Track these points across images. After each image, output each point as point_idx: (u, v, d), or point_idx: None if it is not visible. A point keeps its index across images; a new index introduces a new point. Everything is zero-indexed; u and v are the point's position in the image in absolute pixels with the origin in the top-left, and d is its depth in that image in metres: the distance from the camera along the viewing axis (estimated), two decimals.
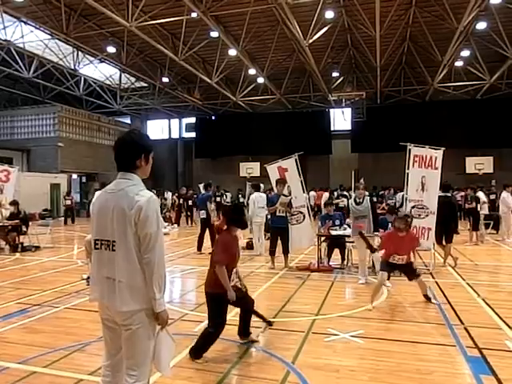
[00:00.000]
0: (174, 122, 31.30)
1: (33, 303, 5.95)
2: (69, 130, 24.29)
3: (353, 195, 16.75)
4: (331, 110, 27.42)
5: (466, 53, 19.54)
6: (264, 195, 9.40)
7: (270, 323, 4.80)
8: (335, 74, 22.98)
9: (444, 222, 8.38)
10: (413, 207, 7.95)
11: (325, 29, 16.26)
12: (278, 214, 8.27)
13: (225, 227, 4.10)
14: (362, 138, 25.86)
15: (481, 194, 13.46)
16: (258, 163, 25.96)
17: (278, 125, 26.53)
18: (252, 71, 21.23)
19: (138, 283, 2.24)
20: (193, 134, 29.86)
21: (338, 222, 8.18)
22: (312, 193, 20.10)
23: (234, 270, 4.09)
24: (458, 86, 23.00)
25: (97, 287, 2.37)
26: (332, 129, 27.79)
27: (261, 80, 22.52)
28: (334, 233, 7.99)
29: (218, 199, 18.92)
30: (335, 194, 19.69)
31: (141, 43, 18.24)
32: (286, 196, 8.32)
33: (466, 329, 4.73)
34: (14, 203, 10.81)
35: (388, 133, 23.76)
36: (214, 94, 25.22)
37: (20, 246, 10.57)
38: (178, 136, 31.34)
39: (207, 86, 23.19)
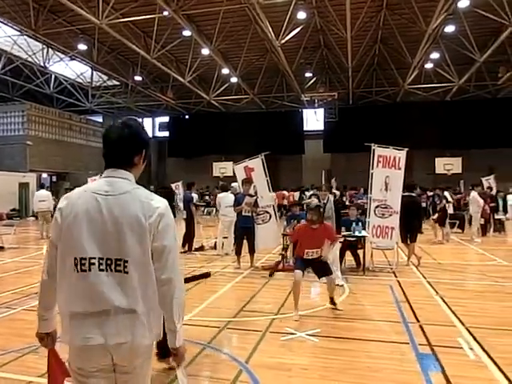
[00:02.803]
0: (147, 120, 30.97)
1: None
2: (38, 128, 23.64)
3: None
4: (304, 111, 27.72)
5: (435, 55, 20.08)
6: (231, 195, 9.42)
7: (207, 275, 4.39)
8: (308, 75, 23.25)
9: (408, 221, 8.60)
10: (376, 207, 8.12)
11: (297, 29, 16.43)
12: (243, 213, 8.32)
13: None
14: (334, 138, 26.24)
15: (447, 194, 13.90)
16: (231, 163, 25.81)
17: (252, 124, 26.58)
18: (225, 71, 21.24)
19: (155, 311, 1.78)
20: (166, 133, 29.66)
21: (303, 222, 8.25)
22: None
23: None
24: (428, 88, 23.62)
25: (91, 325, 1.71)
26: (305, 129, 28.12)
27: (234, 79, 22.55)
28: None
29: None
30: (307, 193, 19.87)
31: (112, 41, 17.99)
32: (251, 196, 8.37)
33: (420, 326, 4.88)
34: None
35: (360, 133, 24.04)
36: (187, 93, 25.08)
37: None
38: (150, 135, 30.99)
39: (180, 85, 23.04)
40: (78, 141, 26.45)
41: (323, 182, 17.40)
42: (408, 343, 4.34)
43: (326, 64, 23.10)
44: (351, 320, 5.13)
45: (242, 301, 6.01)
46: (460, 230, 14.61)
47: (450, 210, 13.63)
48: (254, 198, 8.38)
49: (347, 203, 16.00)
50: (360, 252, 8.12)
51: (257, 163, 8.86)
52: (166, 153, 29.73)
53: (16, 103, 23.56)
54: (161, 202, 1.82)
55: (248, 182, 8.49)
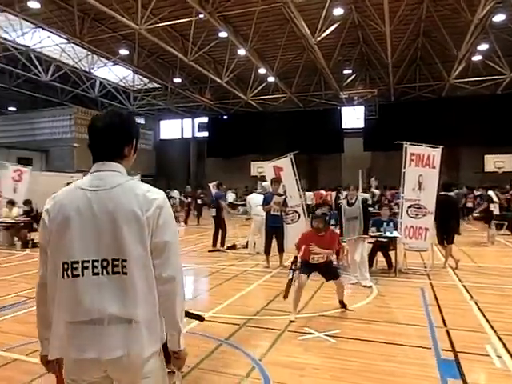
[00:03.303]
0: (187, 121, 31.69)
1: (29, 296, 6.18)
2: (84, 130, 24.78)
3: (362, 195, 16.71)
4: (343, 108, 27.25)
5: (484, 46, 19.00)
6: (261, 195, 9.44)
7: (201, 319, 4.43)
8: (347, 72, 22.80)
9: (444, 222, 8.27)
10: (409, 207, 7.86)
11: (334, 26, 16.18)
12: (272, 212, 8.33)
13: None
14: (374, 135, 25.56)
15: (491, 194, 13.15)
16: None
17: (289, 123, 26.51)
18: (262, 70, 21.31)
19: (156, 317, 1.63)
20: (205, 134, 30.18)
21: (333, 222, 8.14)
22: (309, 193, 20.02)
23: None
24: (477, 81, 22.41)
25: (81, 339, 1.56)
26: (344, 127, 27.61)
27: (271, 79, 22.55)
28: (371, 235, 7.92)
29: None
30: (344, 193, 19.49)
31: (152, 45, 18.55)
32: (280, 195, 8.36)
33: (447, 331, 4.70)
34: (27, 202, 11.23)
35: (402, 130, 23.20)
36: (225, 94, 25.40)
37: (31, 242, 10.91)
38: (190, 135, 31.72)
39: (218, 86, 23.37)
40: None
41: (360, 182, 17.02)
42: (430, 348, 4.19)
43: (366, 60, 22.57)
44: (374, 322, 5.01)
45: (266, 299, 6.04)
46: (509, 232, 13.80)
47: (496, 211, 12.89)
48: (283, 197, 8.37)
49: (386, 203, 15.55)
50: (392, 253, 7.89)
51: (286, 163, 8.84)
52: (205, 153, 30.27)
53: (64, 107, 24.95)
54: (158, 194, 1.67)
55: (277, 181, 8.50)
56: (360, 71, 23.35)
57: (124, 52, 18.76)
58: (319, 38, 16.25)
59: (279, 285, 6.95)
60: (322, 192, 21.45)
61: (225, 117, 29.42)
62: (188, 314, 3.91)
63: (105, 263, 1.56)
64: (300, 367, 3.79)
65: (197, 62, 19.28)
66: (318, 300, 6.03)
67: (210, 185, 20.67)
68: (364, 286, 6.72)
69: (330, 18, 15.63)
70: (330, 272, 5.35)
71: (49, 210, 1.66)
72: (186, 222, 17.83)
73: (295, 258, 5.27)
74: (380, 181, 21.74)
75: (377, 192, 19.85)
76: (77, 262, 1.56)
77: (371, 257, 7.81)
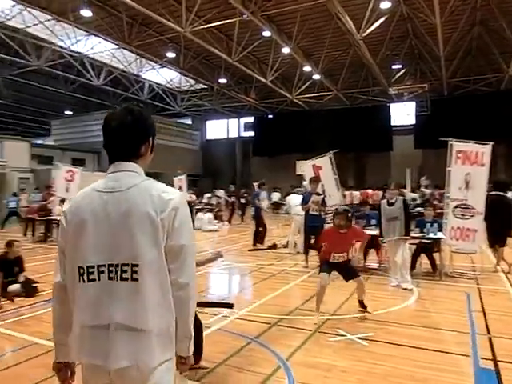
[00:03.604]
0: (233, 121, 32.08)
1: None
2: None
3: (410, 194, 16.11)
4: (392, 105, 26.36)
5: None
6: (300, 195, 9.35)
7: (230, 305, 4.33)
8: (396, 66, 22.03)
9: (495, 223, 7.76)
10: (455, 207, 7.45)
11: (381, 20, 15.69)
12: (311, 212, 8.23)
13: None
14: (426, 132, 24.45)
15: None
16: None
17: (336, 121, 26.05)
18: (307, 68, 21.09)
19: (169, 324, 1.55)
20: (251, 133, 30.40)
21: (374, 222, 7.92)
22: (356, 192, 19.53)
23: None
24: None
25: (90, 344, 1.53)
26: (393, 124, 26.70)
27: (316, 77, 22.27)
28: (367, 233, 7.74)
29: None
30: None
31: (197, 47, 18.94)
32: (319, 194, 8.24)
33: (490, 339, 4.41)
34: None
35: (456, 127, 22.15)
36: (270, 93, 25.41)
37: None
38: (236, 135, 32.09)
39: (263, 86, 23.42)
40: (168, 142, 28.45)
41: (408, 181, 16.44)
42: (468, 356, 3.96)
43: (416, 54, 21.66)
44: (411, 327, 4.81)
45: (301, 299, 5.98)
46: None
47: None
48: (321, 196, 8.24)
49: (435, 203, 14.88)
50: (437, 255, 7.53)
51: (325, 161, 8.72)
52: (251, 152, 30.49)
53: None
54: (175, 194, 1.59)
55: (315, 180, 8.38)
56: (410, 65, 22.45)
57: (171, 54, 19.32)
58: (365, 34, 15.82)
59: (316, 285, 6.88)
60: (369, 191, 20.97)
61: (270, 116, 29.45)
62: (217, 304, 3.97)
63: (118, 269, 1.50)
64: (326, 368, 3.72)
65: (241, 62, 19.45)
66: (354, 301, 5.86)
67: (255, 184, 20.82)
68: (404, 289, 6.47)
69: (376, 11, 15.18)
70: (349, 271, 5.19)
71: (66, 212, 1.63)
72: (229, 221, 18.03)
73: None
74: (432, 179, 20.81)
75: (427, 191, 19.07)
76: (93, 267, 1.52)
77: (414, 259, 7.49)
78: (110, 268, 1.51)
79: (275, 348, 4.18)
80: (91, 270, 1.52)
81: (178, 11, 14.96)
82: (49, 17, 15.18)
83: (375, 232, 7.61)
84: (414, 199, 15.61)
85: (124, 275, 1.49)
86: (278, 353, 4.06)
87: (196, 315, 3.66)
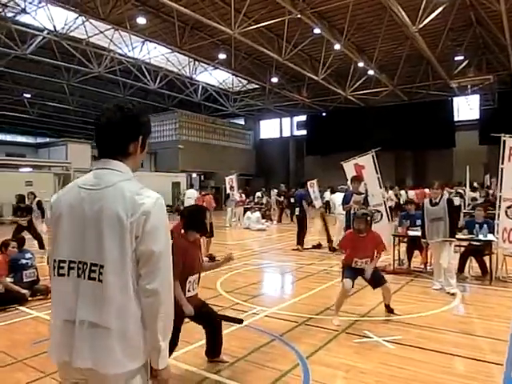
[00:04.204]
0: (286, 120, 32.04)
1: None
2: (188, 133, 26.94)
3: (470, 194, 15.10)
4: (454, 99, 24.87)
5: None
6: (339, 195, 9.14)
7: (240, 321, 4.22)
8: (458, 58, 20.74)
9: None
10: (508, 207, 6.91)
11: (439, 9, 14.89)
12: (353, 212, 8.01)
13: (182, 231, 3.64)
14: (492, 127, 22.67)
15: None
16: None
17: (393, 118, 25.15)
18: (361, 64, 20.54)
19: (135, 329, 1.52)
20: (304, 132, 30.18)
21: (419, 222, 7.56)
22: (411, 192, 18.59)
23: (190, 278, 3.47)
24: None
25: (59, 339, 1.56)
26: (456, 119, 25.19)
27: (371, 72, 21.61)
28: (411, 233, 7.43)
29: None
30: (448, 191, 17.83)
31: (247, 47, 19.15)
32: (360, 194, 8.02)
33: None
34: None
35: None
36: (323, 91, 25.03)
37: None
38: (289, 134, 32.02)
39: (316, 83, 23.14)
40: (222, 142, 29.13)
41: (467, 179, 15.45)
42: (502, 364, 3.67)
43: (481, 43, 20.28)
44: (445, 331, 4.54)
45: (334, 300, 5.82)
46: None
47: None
48: (363, 195, 8.02)
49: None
50: (487, 258, 7.03)
51: (367, 160, 8.47)
52: (304, 151, 30.27)
53: (170, 112, 27.18)
54: (148, 198, 1.53)
55: (357, 179, 8.16)
56: (474, 56, 21.02)
57: (222, 56, 19.71)
58: (421, 25, 15.09)
59: (354, 286, 6.71)
60: (426, 190, 19.94)
61: (323, 114, 29.02)
62: (225, 318, 4.02)
63: (86, 267, 1.51)
64: (345, 369, 3.65)
65: (292, 61, 19.37)
66: (390, 304, 5.67)
67: (308, 183, 20.68)
68: (448, 293, 6.11)
69: (433, 1, 14.45)
70: (375, 279, 4.99)
71: (51, 206, 1.67)
72: (279, 221, 18.07)
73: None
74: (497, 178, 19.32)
75: (490, 191, 17.79)
76: (64, 262, 1.55)
77: (462, 261, 7.06)
78: (79, 265, 1.52)
79: (297, 346, 4.16)
80: (62, 265, 1.55)
81: (228, 13, 15.22)
82: (108, 26, 16.13)
83: (418, 233, 7.29)
84: (474, 199, 14.62)
85: (92, 275, 1.50)
86: (299, 351, 4.04)
87: (213, 311, 3.76)
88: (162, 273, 1.52)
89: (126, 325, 1.49)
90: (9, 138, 29.18)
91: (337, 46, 18.36)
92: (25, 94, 25.03)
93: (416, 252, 7.72)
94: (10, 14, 15.64)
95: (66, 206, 1.59)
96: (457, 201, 14.17)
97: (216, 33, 17.50)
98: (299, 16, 15.07)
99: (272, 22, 15.86)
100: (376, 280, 5.01)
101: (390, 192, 17.07)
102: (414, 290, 6.41)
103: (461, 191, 15.40)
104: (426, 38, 16.96)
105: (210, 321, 3.73)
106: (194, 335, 4.08)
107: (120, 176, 1.57)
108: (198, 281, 3.60)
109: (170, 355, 3.36)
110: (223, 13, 15.52)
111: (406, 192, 18.75)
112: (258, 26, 16.00)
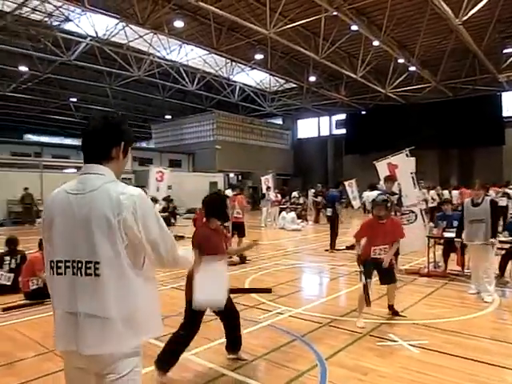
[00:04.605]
0: (324, 119, 31.65)
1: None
2: (225, 133, 27.25)
3: None
4: (503, 94, 23.56)
5: None
6: (374, 193, 8.82)
7: (268, 290, 4.20)
8: (508, 51, 19.64)
9: None
10: None
11: (484, 1, 14.18)
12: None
13: (204, 220, 3.72)
14: None
15: None
16: (414, 158, 24.12)
17: (436, 115, 24.21)
18: (402, 60, 19.93)
19: (136, 311, 1.69)
20: (343, 131, 29.69)
21: (456, 223, 7.22)
22: (455, 192, 17.76)
23: None
24: None
25: (65, 330, 1.70)
26: (504, 115, 23.85)
27: (413, 68, 20.92)
28: (448, 235, 7.11)
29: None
30: (492, 192, 16.86)
31: (283, 47, 19.11)
32: (394, 194, 7.76)
33: None
34: (166, 199, 12.85)
35: None
36: (362, 89, 24.54)
37: None
38: (328, 133, 31.61)
39: (354, 81, 22.72)
40: (259, 143, 29.23)
41: None
42: None
43: None
44: (476, 338, 4.30)
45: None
46: None
47: None
48: (396, 196, 7.75)
49: None
50: None
51: (401, 159, 8.20)
52: (343, 150, 29.78)
53: (208, 113, 27.62)
54: (132, 196, 1.68)
55: (390, 179, 7.88)
56: None
57: (259, 56, 19.80)
58: (466, 17, 14.43)
59: (384, 288, 6.49)
60: (469, 190, 19.02)
61: (363, 112, 28.43)
62: (255, 290, 4.01)
63: (80, 264, 1.65)
64: (364, 372, 3.55)
65: (330, 59, 19.10)
66: (420, 307, 5.46)
67: (346, 183, 20.32)
68: (482, 300, 5.77)
69: None
70: (388, 275, 4.91)
71: (43, 211, 1.80)
72: (316, 221, 17.78)
73: (359, 256, 4.92)
74: None
75: None
76: (61, 262, 1.69)
77: (503, 265, 6.68)
78: (74, 264, 1.66)
79: (318, 347, 4.10)
80: (59, 265, 1.69)
81: (264, 14, 15.25)
82: (147, 31, 16.65)
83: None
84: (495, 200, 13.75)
85: (88, 271, 1.64)
86: (319, 352, 3.98)
87: (234, 307, 3.78)
88: (168, 252, 1.75)
89: (125, 310, 1.65)
90: (56, 140, 30.88)
91: (376, 43, 17.93)
92: (71, 99, 26.38)
93: (453, 255, 7.37)
94: (55, 23, 16.52)
95: (57, 211, 1.72)
96: (503, 201, 13.43)
97: (252, 33, 17.62)
98: (336, 13, 14.87)
99: (308, 20, 15.73)
100: (386, 276, 4.90)
101: (432, 192, 16.42)
102: (448, 294, 6.13)
103: (508, 191, 14.55)
104: (471, 31, 16.24)
105: (229, 314, 3.72)
106: (216, 333, 4.11)
107: (103, 179, 1.70)
108: None
109: (186, 346, 3.51)
110: (259, 13, 15.58)
111: (450, 192, 17.97)
112: (294, 24, 15.92)
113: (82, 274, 1.64)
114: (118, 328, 1.65)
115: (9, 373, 3.67)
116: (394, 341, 4.24)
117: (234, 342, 3.85)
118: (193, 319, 3.53)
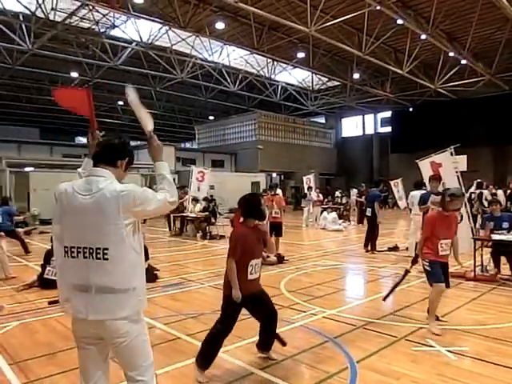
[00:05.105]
0: (369, 117, 30.90)
1: (189, 279, 7.27)
2: (267, 133, 27.25)
3: None
4: None
5: None
6: (419, 193, 8.45)
7: (283, 343, 3.94)
8: None
9: None
10: None
11: None
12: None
13: (241, 219, 3.80)
14: None
15: None
16: (465, 156, 22.97)
17: (491, 110, 22.95)
18: (452, 53, 19.02)
19: (136, 285, 2.11)
20: (388, 129, 28.81)
21: (505, 225, 6.81)
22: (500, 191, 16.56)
23: (252, 262, 3.62)
24: None
25: (76, 302, 2.09)
26: None
27: (464, 61, 19.91)
28: (496, 237, 6.69)
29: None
30: None
31: (326, 44, 18.83)
32: (439, 194, 7.40)
33: None
34: (206, 199, 13.03)
35: None
36: (409, 85, 23.70)
37: (208, 234, 12.55)
38: (372, 131, 30.80)
39: (401, 77, 21.98)
40: (302, 142, 28.99)
41: None
42: None
43: None
44: None
45: (399, 305, 5.49)
46: None
47: None
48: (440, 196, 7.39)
49: None
50: None
51: (445, 157, 7.83)
52: (389, 148, 28.88)
53: (249, 113, 27.76)
54: (128, 189, 2.09)
55: (435, 178, 7.54)
56: None
57: (301, 55, 19.66)
58: None
59: (426, 292, 6.23)
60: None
61: (410, 109, 27.42)
62: (276, 337, 3.93)
63: (92, 251, 2.06)
64: (396, 377, 3.41)
65: (374, 55, 18.61)
66: (463, 312, 5.17)
67: (392, 183, 19.72)
68: None
69: None
70: (447, 276, 4.60)
71: (57, 201, 2.19)
72: (360, 222, 17.12)
73: (416, 256, 4.68)
74: None
75: None
76: (73, 247, 2.09)
77: None
78: (85, 250, 2.07)
79: (350, 350, 3.99)
80: (73, 250, 2.10)
81: (305, 11, 15.11)
82: (189, 33, 17.03)
83: (505, 237, 6.57)
84: None
85: (98, 256, 2.06)
86: (350, 355, 3.87)
87: (274, 308, 3.80)
88: (164, 202, 2.20)
89: (128, 283, 2.08)
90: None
91: (423, 36, 17.24)
92: (118, 102, 27.48)
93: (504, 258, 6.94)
94: (102, 30, 17.28)
95: (68, 207, 2.12)
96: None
97: (293, 32, 17.52)
98: (379, 7, 14.45)
99: (350, 16, 15.42)
100: (447, 278, 4.63)
101: (485, 192, 15.52)
102: (495, 299, 5.76)
103: None
104: None
105: (265, 311, 3.73)
106: (249, 332, 4.12)
107: (105, 181, 2.11)
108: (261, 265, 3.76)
109: (221, 342, 3.58)
110: (299, 11, 15.47)
111: (505, 192, 16.89)
112: (336, 21, 15.64)
113: (93, 258, 2.05)
114: (120, 299, 2.06)
115: (51, 362, 3.85)
116: (432, 346, 4.04)
117: (266, 342, 3.85)
118: (230, 315, 3.61)
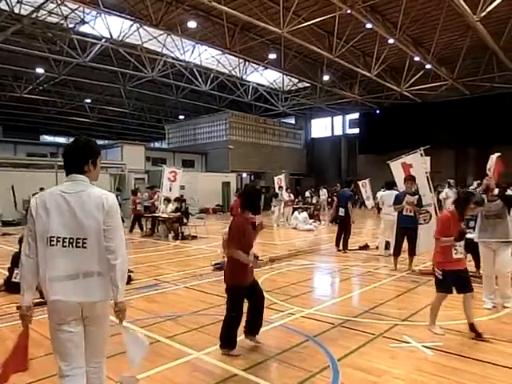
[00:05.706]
0: (337, 118, 31.46)
1: (164, 280, 7.16)
2: (238, 133, 27.23)
3: None
4: None
5: None
6: (393, 193, 8.64)
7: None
8: None
9: None
10: None
11: None
12: (404, 213, 7.68)
13: (239, 210, 4.09)
14: None
15: None
16: (429, 157, 23.74)
17: (453, 114, 23.80)
18: (418, 57, 19.64)
19: (106, 273, 2.37)
20: (356, 130, 29.46)
21: (472, 224, 7.08)
22: None
23: (250, 252, 3.94)
24: None
25: (61, 286, 2.33)
26: None
27: (429, 66, 20.60)
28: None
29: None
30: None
31: (297, 46, 19.00)
32: (414, 194, 7.65)
33: None
34: (178, 199, 12.84)
35: None
36: (377, 88, 24.29)
37: (180, 234, 12.39)
38: (341, 133, 31.40)
39: (369, 80, 22.51)
40: (272, 142, 29.14)
41: None
42: None
43: None
44: (492, 340, 4.20)
45: (374, 303, 5.63)
46: None
47: None
48: (416, 196, 7.64)
49: None
50: None
51: (415, 159, 8.09)
52: (357, 150, 29.51)
53: (221, 113, 27.65)
54: (110, 196, 2.46)
55: (410, 179, 7.78)
56: None
57: (272, 56, 19.75)
58: (483, 13, 14.13)
59: (397, 289, 6.43)
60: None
61: (377, 111, 28.13)
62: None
63: (72, 240, 2.36)
64: (377, 374, 3.50)
65: (344, 58, 18.92)
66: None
67: (360, 183, 20.10)
68: (504, 307, 5.49)
69: None
70: (466, 281, 4.39)
71: (41, 202, 2.39)
72: (332, 221, 17.35)
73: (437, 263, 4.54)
74: None
75: None
76: (53, 237, 2.35)
77: None
78: (65, 239, 2.35)
79: (330, 348, 4.05)
80: (52, 239, 2.35)
81: (277, 13, 15.18)
82: (160, 32, 16.77)
83: (471, 236, 6.77)
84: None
85: (78, 244, 2.36)
86: (331, 353, 3.94)
87: (262, 290, 4.15)
88: (117, 237, 2.42)
89: (103, 270, 2.38)
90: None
91: (391, 41, 17.71)
92: (86, 100, 26.72)
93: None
94: (71, 25, 16.71)
95: (53, 204, 2.37)
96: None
97: (265, 33, 17.57)
98: (350, 11, 14.73)
99: (322, 19, 15.59)
100: (465, 283, 4.38)
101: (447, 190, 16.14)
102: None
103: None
104: (489, 27, 15.93)
105: (259, 294, 4.10)
106: None
107: (85, 184, 2.45)
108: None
109: (236, 329, 3.84)
110: (272, 12, 15.53)
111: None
112: (308, 23, 15.80)
113: (73, 247, 2.35)
114: (99, 282, 2.38)
115: None
116: (408, 342, 4.17)
117: (255, 325, 4.10)
118: (237, 301, 3.94)
